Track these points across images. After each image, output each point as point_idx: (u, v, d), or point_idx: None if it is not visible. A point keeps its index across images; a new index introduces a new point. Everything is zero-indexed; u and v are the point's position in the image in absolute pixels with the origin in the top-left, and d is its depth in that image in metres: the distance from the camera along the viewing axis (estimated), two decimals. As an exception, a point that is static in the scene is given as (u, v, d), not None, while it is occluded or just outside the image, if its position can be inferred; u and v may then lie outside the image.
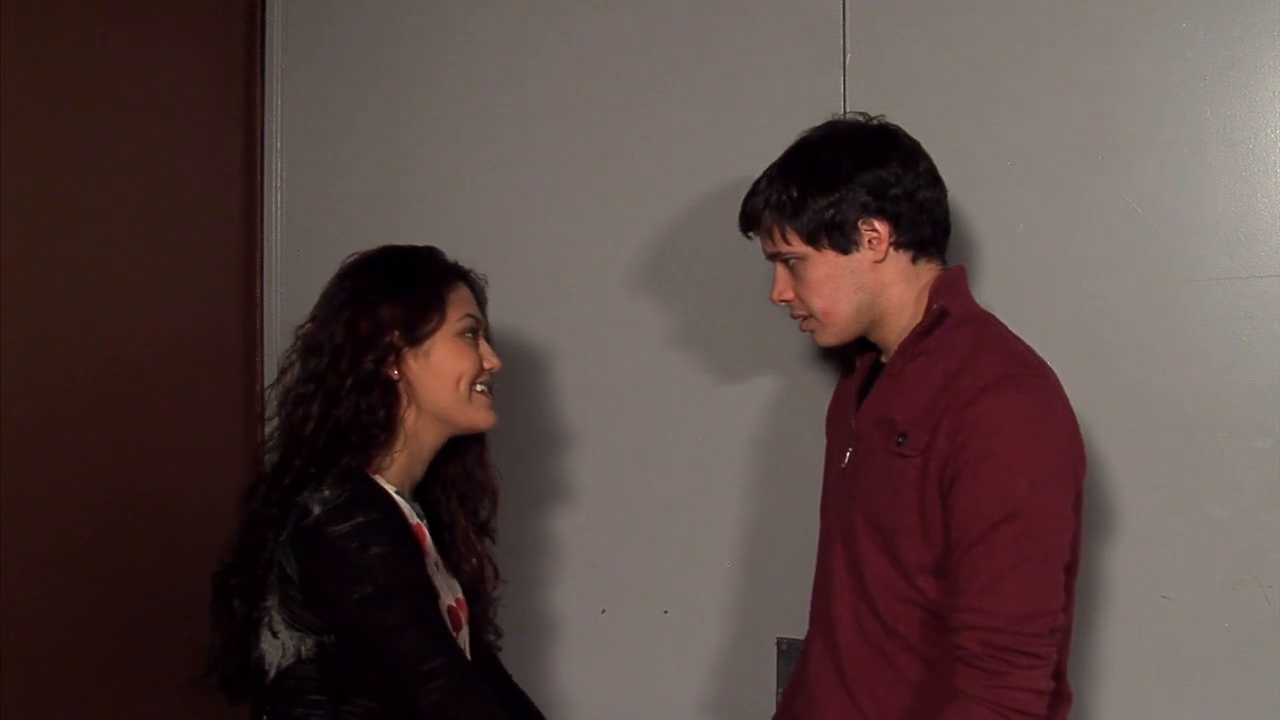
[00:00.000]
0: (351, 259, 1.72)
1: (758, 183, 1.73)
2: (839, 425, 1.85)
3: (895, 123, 2.02)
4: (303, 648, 1.55)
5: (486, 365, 1.69)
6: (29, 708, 1.99)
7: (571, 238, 2.30)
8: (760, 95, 2.12)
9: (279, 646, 1.56)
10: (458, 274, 1.71)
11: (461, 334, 1.67)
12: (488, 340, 1.72)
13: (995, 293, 1.99)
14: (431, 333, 1.65)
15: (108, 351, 2.18)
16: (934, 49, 2.05)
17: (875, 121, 1.74)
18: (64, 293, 2.10)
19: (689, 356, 2.22)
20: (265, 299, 2.54)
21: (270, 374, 2.47)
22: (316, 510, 1.53)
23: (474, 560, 1.75)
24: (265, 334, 2.54)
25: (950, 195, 2.01)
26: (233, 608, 1.63)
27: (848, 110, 2.07)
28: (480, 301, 1.73)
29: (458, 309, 1.67)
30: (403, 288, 1.65)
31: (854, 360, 1.85)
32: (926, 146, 2.01)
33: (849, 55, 2.10)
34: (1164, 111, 1.92)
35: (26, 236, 2.02)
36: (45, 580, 2.04)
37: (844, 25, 2.10)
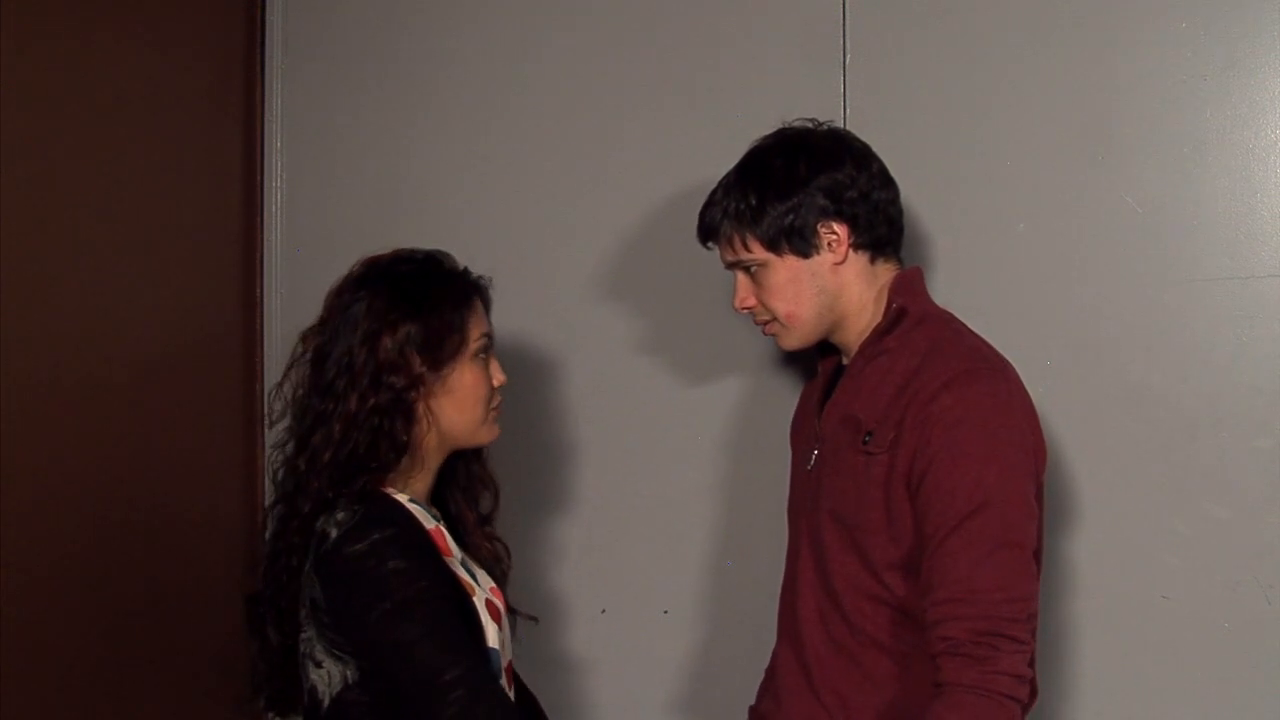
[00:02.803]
0: (362, 266, 1.67)
1: (713, 194, 1.75)
2: (803, 429, 1.87)
3: (895, 123, 2.02)
4: (348, 673, 1.54)
5: (495, 384, 1.69)
6: (29, 708, 1.98)
7: (572, 238, 2.30)
8: (760, 95, 2.12)
9: (325, 676, 1.56)
10: (474, 289, 1.69)
11: (476, 355, 1.66)
12: (494, 352, 1.72)
13: (995, 293, 1.99)
14: (452, 358, 1.63)
15: (107, 351, 2.18)
16: (934, 49, 2.05)
17: (824, 126, 1.76)
18: (64, 293, 2.10)
19: (690, 355, 2.22)
20: (265, 299, 2.53)
21: (270, 374, 2.50)
22: (334, 534, 1.53)
23: (487, 544, 1.77)
24: (265, 334, 2.53)
25: (949, 195, 2.03)
26: (268, 636, 1.64)
27: (848, 110, 2.08)
28: (488, 309, 1.72)
29: (475, 329, 1.66)
30: (425, 310, 1.62)
31: (816, 364, 1.87)
32: (926, 146, 2.03)
33: (849, 55, 2.10)
34: (1164, 111, 1.92)
35: (27, 236, 2.02)
36: (44, 580, 2.03)
37: (844, 25, 2.10)
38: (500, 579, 1.75)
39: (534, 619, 1.84)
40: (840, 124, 2.05)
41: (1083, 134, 1.96)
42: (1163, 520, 1.91)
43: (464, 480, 1.78)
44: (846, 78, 2.09)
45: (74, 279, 2.12)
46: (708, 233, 1.76)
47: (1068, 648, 1.96)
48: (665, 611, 2.24)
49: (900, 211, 1.75)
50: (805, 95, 2.08)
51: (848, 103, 2.08)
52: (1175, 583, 1.90)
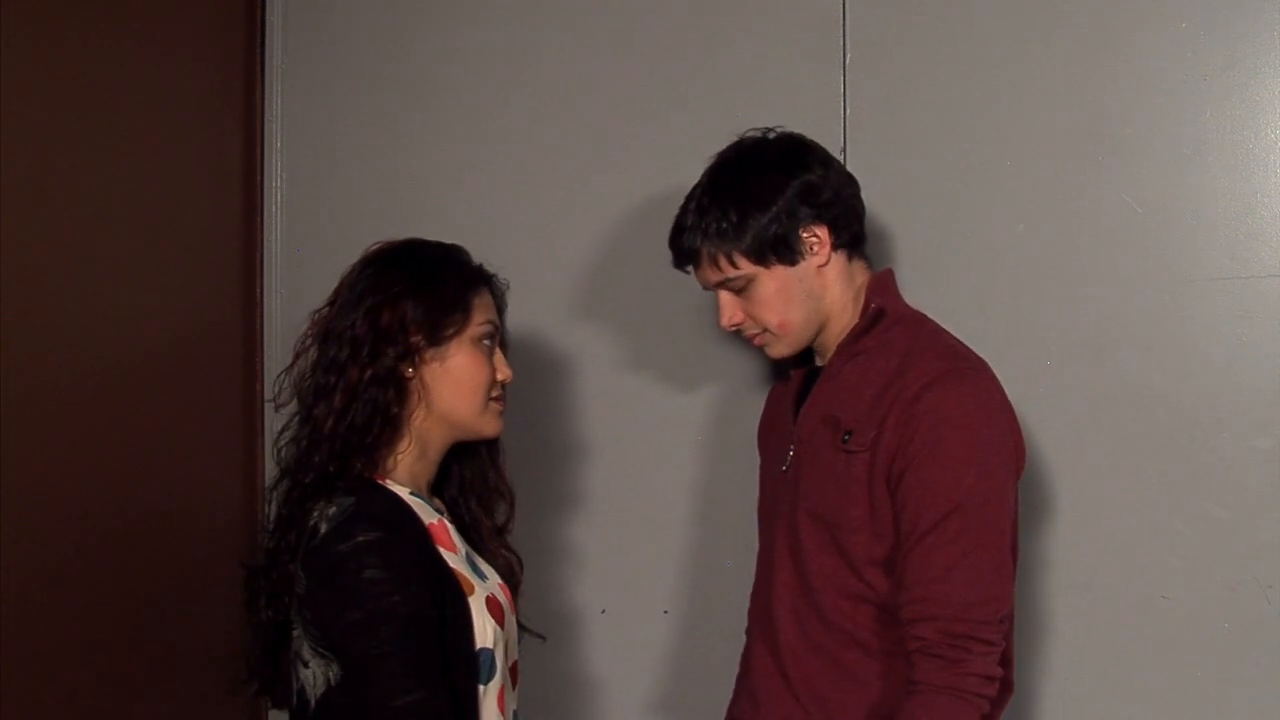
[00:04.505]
0: (376, 247, 1.69)
1: (682, 218, 1.73)
2: (776, 431, 1.87)
3: (895, 123, 2.02)
4: (330, 674, 1.53)
5: (499, 377, 1.68)
6: (29, 708, 1.98)
7: (571, 239, 2.30)
8: (760, 95, 2.12)
9: (311, 676, 1.55)
10: (483, 278, 1.69)
11: (479, 340, 1.65)
12: (504, 348, 1.71)
13: (994, 293, 1.99)
14: (453, 336, 1.62)
15: (107, 351, 2.18)
16: (934, 49, 2.05)
17: (774, 132, 1.75)
18: (64, 292, 2.10)
19: (690, 357, 2.22)
20: (265, 299, 2.53)
21: (271, 373, 2.49)
22: (324, 529, 1.52)
23: (503, 555, 1.76)
24: (265, 334, 2.53)
25: (951, 194, 2.03)
26: (260, 610, 1.64)
27: (848, 110, 2.08)
28: (500, 308, 1.71)
29: (480, 314, 1.65)
30: (429, 285, 1.63)
31: (788, 368, 1.87)
32: (926, 146, 2.03)
33: (849, 55, 2.10)
34: (1164, 111, 1.92)
35: (26, 236, 2.02)
36: (44, 579, 2.03)
37: (844, 25, 2.10)
38: (512, 591, 1.74)
39: (542, 637, 1.83)
40: (840, 124, 2.06)
41: (1083, 134, 1.96)
42: (1163, 520, 1.91)
43: (479, 489, 1.77)
44: (846, 78, 2.09)
45: (74, 278, 2.12)
46: (686, 257, 1.74)
47: (1067, 647, 1.96)
48: (665, 611, 2.24)
49: (863, 208, 1.76)
50: (805, 95, 2.08)
51: (848, 103, 2.08)
52: (1175, 583, 1.90)
